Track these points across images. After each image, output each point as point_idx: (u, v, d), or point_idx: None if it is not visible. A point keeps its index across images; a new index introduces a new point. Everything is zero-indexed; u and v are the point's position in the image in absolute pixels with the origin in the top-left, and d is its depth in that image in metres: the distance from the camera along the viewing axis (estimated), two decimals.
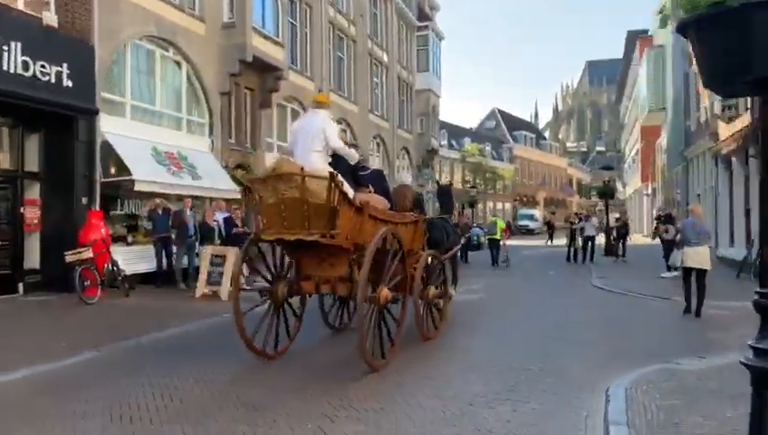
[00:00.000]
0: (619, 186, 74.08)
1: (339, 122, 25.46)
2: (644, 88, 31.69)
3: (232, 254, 11.69)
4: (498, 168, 59.26)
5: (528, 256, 24.28)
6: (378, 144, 30.39)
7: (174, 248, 13.28)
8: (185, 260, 13.03)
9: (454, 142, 57.07)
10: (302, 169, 6.23)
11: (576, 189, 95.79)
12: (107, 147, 12.78)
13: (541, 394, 5.55)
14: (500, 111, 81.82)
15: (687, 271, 10.15)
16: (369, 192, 7.17)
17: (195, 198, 13.94)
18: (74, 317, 9.44)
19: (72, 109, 11.85)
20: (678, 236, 11.04)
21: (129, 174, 12.87)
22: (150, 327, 8.52)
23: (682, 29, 2.75)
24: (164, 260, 13.09)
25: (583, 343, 7.90)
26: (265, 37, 17.65)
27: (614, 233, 21.99)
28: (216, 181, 15.53)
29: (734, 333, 8.43)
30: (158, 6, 14.35)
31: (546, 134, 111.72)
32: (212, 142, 16.67)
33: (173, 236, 13.20)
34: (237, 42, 16.63)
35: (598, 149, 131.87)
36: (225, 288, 11.43)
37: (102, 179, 12.67)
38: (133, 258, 13.29)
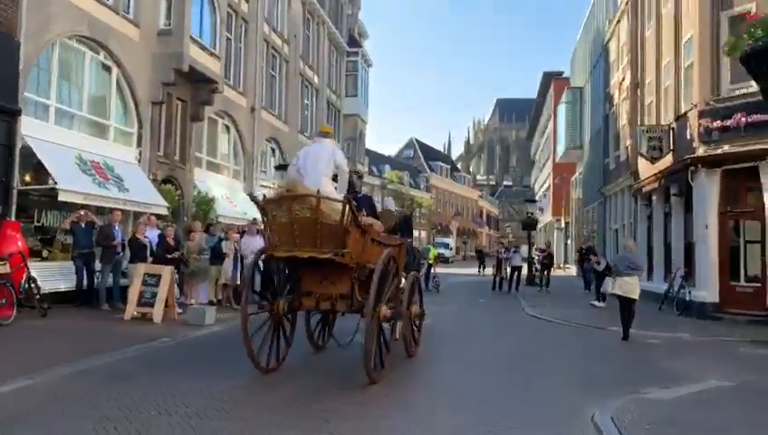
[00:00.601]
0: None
1: (268, 141, 24.89)
2: (562, 127, 33.35)
3: (167, 273, 10.89)
4: (417, 196, 60.17)
5: (454, 284, 24.54)
6: None
7: (98, 265, 12.24)
8: (110, 279, 11.98)
9: (374, 169, 57.44)
10: (318, 191, 6.66)
11: (485, 221, 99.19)
12: (27, 152, 11.62)
13: (529, 425, 5.38)
14: (417, 140, 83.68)
15: (620, 299, 11.06)
16: (364, 216, 7.21)
17: (121, 211, 12.90)
18: None
19: None
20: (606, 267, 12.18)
21: (49, 182, 11.80)
22: (84, 352, 7.64)
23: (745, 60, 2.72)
24: (85, 278, 11.99)
25: (548, 373, 7.87)
26: (202, 48, 16.93)
27: (537, 264, 22.66)
28: (144, 195, 14.53)
29: (679, 363, 8.77)
30: (91, 6, 13.37)
31: (459, 166, 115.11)
32: (140, 154, 15.64)
33: (95, 251, 12.17)
34: (173, 50, 15.81)
35: (505, 183, 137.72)
36: (158, 310, 10.58)
37: (19, 187, 11.48)
38: (49, 275, 12.04)
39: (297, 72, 27.77)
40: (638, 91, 19.52)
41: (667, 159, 15.92)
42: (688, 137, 14.34)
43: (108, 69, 14.65)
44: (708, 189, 13.66)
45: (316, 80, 30.76)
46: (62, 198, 11.70)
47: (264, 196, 7.76)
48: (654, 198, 17.61)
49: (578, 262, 21.82)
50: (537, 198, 62.50)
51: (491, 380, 7.21)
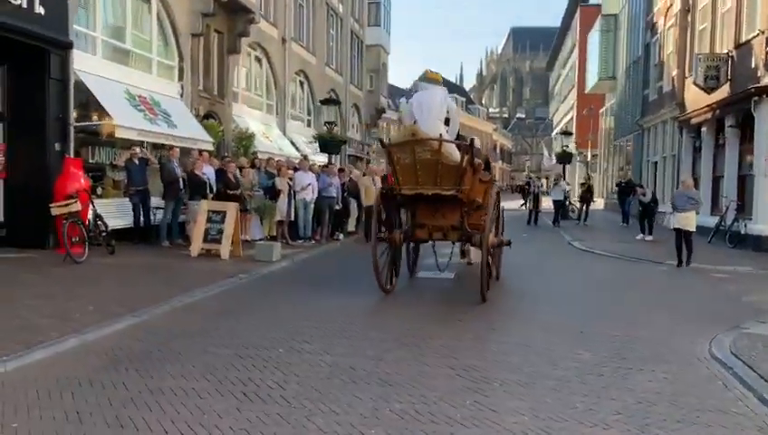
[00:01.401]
0: (545, 152, 76.57)
1: (297, 73, 24.29)
2: (594, 56, 32.30)
3: (233, 209, 10.80)
4: None
5: None
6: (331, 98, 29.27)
7: (153, 202, 12.20)
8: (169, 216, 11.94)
9: (390, 102, 56.38)
10: (440, 135, 7.50)
11: (498, 155, 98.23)
12: (80, 87, 11.35)
13: (652, 363, 5.33)
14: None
15: (678, 232, 11.82)
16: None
17: (170, 147, 12.69)
18: (76, 278, 8.33)
19: (44, 40, 10.33)
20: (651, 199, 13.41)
21: (104, 118, 11.61)
22: (173, 290, 7.66)
23: None
24: (141, 215, 11.96)
25: (636, 310, 7.80)
26: None
27: (573, 197, 22.45)
28: (191, 130, 14.30)
29: (763, 297, 8.70)
30: None
31: (472, 98, 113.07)
32: (182, 88, 15.28)
33: (149, 188, 12.11)
34: None
35: (519, 115, 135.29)
36: (225, 247, 10.56)
37: (76, 123, 11.27)
38: (105, 213, 11.94)
39: (323, 0, 26.81)
40: (689, 17, 18.70)
41: (724, 90, 15.40)
42: (753, 65, 13.78)
43: (148, 0, 14.13)
44: None
45: (341, 8, 29.73)
46: (119, 134, 11.53)
47: (389, 140, 8.53)
48: (704, 129, 17.17)
49: (618, 195, 21.55)
50: (557, 130, 61.48)
51: (586, 318, 7.16)
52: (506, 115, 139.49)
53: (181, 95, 15.23)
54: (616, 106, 30.57)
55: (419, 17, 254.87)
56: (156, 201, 12.49)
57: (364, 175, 15.48)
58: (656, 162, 22.74)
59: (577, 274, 11.20)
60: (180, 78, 15.25)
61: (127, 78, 13.00)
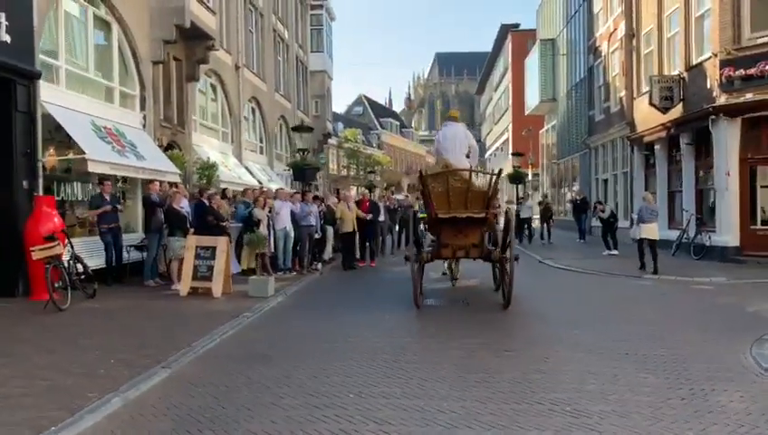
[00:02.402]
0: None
1: (249, 100, 23.78)
2: (534, 79, 33.45)
3: (224, 244, 10.28)
4: (374, 154, 59.70)
5: None
6: (281, 125, 28.87)
7: (123, 240, 11.48)
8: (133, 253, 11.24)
9: (334, 127, 56.40)
10: (471, 167, 9.44)
11: None
12: (47, 120, 10.56)
13: (714, 379, 5.37)
14: (366, 97, 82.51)
15: (641, 241, 13.29)
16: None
17: (149, 181, 12.01)
18: (70, 327, 7.59)
19: (9, 70, 9.56)
20: (636, 216, 14.05)
21: (74, 152, 10.87)
22: (186, 335, 7.11)
23: None
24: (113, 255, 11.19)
25: (654, 327, 7.92)
26: (200, 1, 15.76)
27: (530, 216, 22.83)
28: (158, 162, 13.61)
29: (762, 306, 9.04)
30: None
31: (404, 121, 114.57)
32: (144, 118, 14.56)
33: (121, 226, 11.41)
34: (174, 4, 14.63)
35: None
36: (217, 284, 10.00)
37: (43, 159, 10.44)
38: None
39: (270, 26, 26.51)
40: (634, 42, 19.70)
41: (678, 109, 16.22)
42: (708, 86, 14.60)
43: (108, 25, 13.42)
44: (729, 137, 14.04)
45: (286, 34, 29.49)
46: (92, 169, 10.81)
47: (425, 171, 9.70)
48: (657, 147, 18.00)
49: (573, 212, 22.20)
50: (490, 152, 63.20)
51: (617, 338, 7.18)
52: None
53: (143, 125, 14.50)
54: (558, 127, 31.71)
55: (348, 44, 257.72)
56: (128, 239, 11.80)
57: (339, 201, 15.19)
58: (605, 179, 23.64)
59: (571, 293, 11.30)
60: (142, 107, 14.53)
61: (90, 108, 12.24)
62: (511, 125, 48.54)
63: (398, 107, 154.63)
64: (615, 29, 21.48)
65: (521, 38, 47.71)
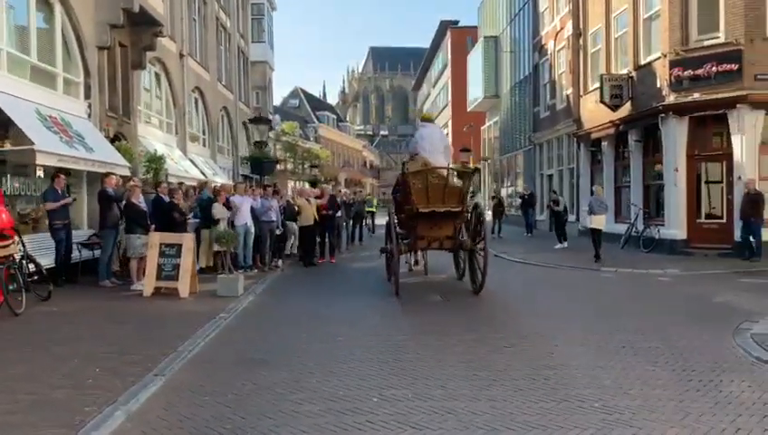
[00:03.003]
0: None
1: (193, 91, 22.83)
2: (477, 76, 33.87)
3: (189, 241, 9.77)
4: (313, 148, 58.93)
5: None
6: (222, 116, 27.93)
7: (72, 237, 10.72)
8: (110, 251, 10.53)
9: (276, 119, 55.28)
10: (448, 165, 10.33)
11: (369, 171, 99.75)
12: None
13: (717, 369, 5.51)
14: (302, 90, 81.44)
15: (593, 231, 14.14)
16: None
17: (106, 174, 11.26)
18: (35, 334, 6.95)
19: None
20: (587, 209, 14.86)
21: (20, 142, 10.00)
22: (166, 339, 6.67)
23: None
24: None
25: (636, 317, 8.11)
26: None
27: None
28: (107, 154, 12.81)
29: (728, 297, 9.43)
30: None
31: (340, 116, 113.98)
32: (89, 107, 13.65)
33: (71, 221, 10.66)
34: None
35: (382, 132, 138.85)
36: (184, 283, 9.48)
37: None
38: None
39: (213, 14, 25.56)
40: (581, 41, 20.25)
41: (626, 107, 16.78)
42: (657, 85, 15.16)
43: (49, 6, 12.46)
44: (678, 135, 14.65)
45: (228, 23, 28.54)
46: (40, 161, 10.00)
47: (407, 169, 10.01)
48: (605, 143, 18.59)
49: (521, 207, 22.66)
50: None
51: (606, 331, 7.27)
52: (370, 132, 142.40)
53: (89, 115, 13.60)
54: (501, 123, 32.28)
55: (283, 36, 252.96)
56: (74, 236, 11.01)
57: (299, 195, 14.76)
58: (550, 175, 24.25)
59: (539, 286, 11.46)
60: (87, 96, 13.61)
61: (34, 96, 11.34)
62: (451, 121, 49.04)
63: (333, 100, 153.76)
64: (562, 28, 22.01)
65: (460, 35, 48.31)
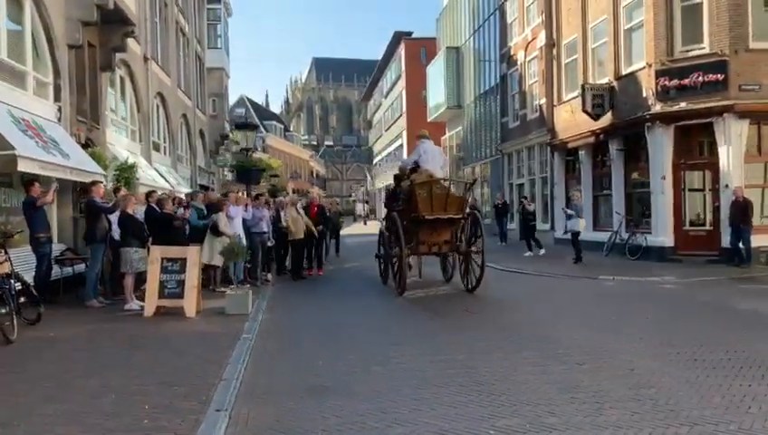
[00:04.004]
0: (368, 177, 78.77)
1: (155, 97, 21.65)
2: (439, 86, 33.83)
3: (194, 255, 8.95)
4: (264, 158, 57.62)
5: (354, 244, 24.27)
6: (182, 124, 26.70)
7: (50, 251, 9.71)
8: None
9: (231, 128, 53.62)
10: (447, 177, 12.23)
11: (316, 181, 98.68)
12: None
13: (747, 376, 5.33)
14: (248, 98, 79.81)
15: (575, 235, 15.24)
16: None
17: (92, 182, 10.25)
18: (46, 365, 6.07)
19: None
20: (572, 212, 15.68)
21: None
22: (197, 367, 5.96)
23: None
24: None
25: (660, 331, 7.93)
26: None
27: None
28: (82, 161, 11.77)
29: (747, 304, 9.42)
30: None
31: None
32: (59, 110, 12.55)
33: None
34: None
35: (327, 143, 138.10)
36: (190, 301, 8.67)
37: None
38: None
39: (173, 18, 24.44)
40: (554, 51, 20.43)
41: (607, 117, 16.94)
42: (643, 94, 15.34)
43: (19, 0, 11.36)
44: (664, 143, 14.85)
45: (187, 28, 27.41)
46: (22, 168, 8.96)
47: (412, 181, 11.02)
48: (582, 152, 18.73)
49: (495, 216, 22.61)
50: (380, 158, 63.57)
51: (632, 340, 7.04)
52: (315, 142, 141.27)
53: (59, 118, 12.50)
54: (464, 133, 32.32)
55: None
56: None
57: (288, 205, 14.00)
58: (520, 184, 24.35)
59: (548, 295, 11.20)
60: (56, 98, 12.52)
61: (4, 96, 10.26)
62: (405, 131, 49.05)
63: (276, 110, 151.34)
64: (534, 38, 22.18)
65: (414, 46, 48.50)
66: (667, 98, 14.72)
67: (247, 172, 13.32)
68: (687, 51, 14.61)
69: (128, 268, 9.18)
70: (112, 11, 13.46)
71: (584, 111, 16.93)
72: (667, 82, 14.62)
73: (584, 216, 15.95)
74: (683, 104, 14.46)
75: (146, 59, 19.38)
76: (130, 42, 17.40)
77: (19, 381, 5.51)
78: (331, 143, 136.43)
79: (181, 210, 10.64)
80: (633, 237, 15.80)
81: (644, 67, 15.39)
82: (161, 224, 9.57)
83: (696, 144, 15.02)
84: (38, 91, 11.97)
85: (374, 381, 5.55)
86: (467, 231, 11.22)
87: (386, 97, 58.67)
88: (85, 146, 13.46)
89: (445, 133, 36.42)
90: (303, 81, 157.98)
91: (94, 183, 9.80)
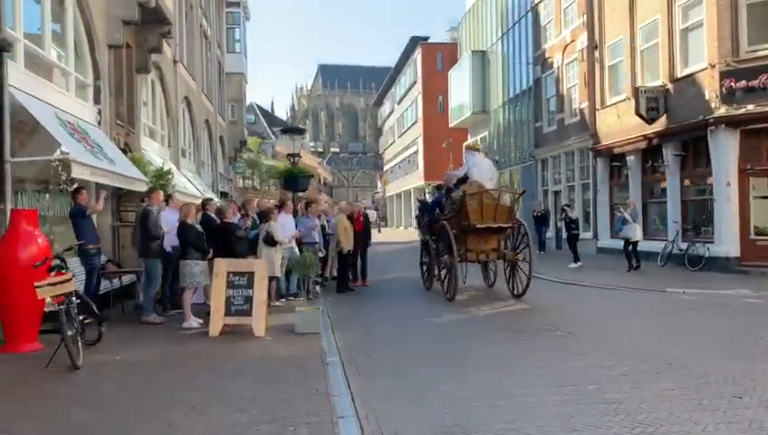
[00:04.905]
0: (379, 184, 78.07)
1: (182, 101, 20.99)
2: (465, 91, 33.11)
3: (262, 268, 8.22)
4: (277, 164, 56.99)
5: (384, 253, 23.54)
6: (204, 128, 26.03)
7: (99, 263, 9.00)
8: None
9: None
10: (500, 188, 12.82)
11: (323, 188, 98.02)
12: (14, 108, 7.93)
13: None
14: (258, 105, 79.37)
15: (633, 243, 15.09)
16: None
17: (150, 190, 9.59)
18: (141, 395, 5.33)
19: None
20: (629, 217, 15.32)
21: (41, 152, 8.32)
22: (300, 394, 5.22)
23: None
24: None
25: (732, 347, 7.18)
26: None
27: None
28: (126, 167, 11.07)
29: None
30: None
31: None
32: (99, 113, 11.89)
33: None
34: None
35: (333, 150, 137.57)
36: (259, 319, 7.92)
37: (11, 160, 7.81)
38: None
39: (198, 20, 23.84)
40: (596, 54, 19.74)
41: (660, 121, 16.22)
42: (706, 96, 14.61)
43: None
44: (729, 148, 14.11)
45: (209, 31, 26.81)
46: (76, 174, 8.23)
47: (463, 193, 11.31)
48: (631, 157, 17.99)
49: (535, 225, 21.80)
50: (394, 164, 62.90)
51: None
52: (321, 149, 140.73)
53: (99, 122, 11.83)
54: (490, 139, 31.59)
55: None
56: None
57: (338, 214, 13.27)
58: (557, 191, 23.59)
59: (623, 311, 10.43)
60: (96, 100, 11.86)
61: (50, 98, 9.58)
62: (421, 138, 48.39)
63: (282, 117, 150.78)
64: (573, 40, 21.50)
65: (431, 50, 47.95)
66: (732, 100, 13.99)
67: (294, 179, 12.55)
68: (755, 51, 13.89)
69: (188, 283, 8.44)
70: (153, 9, 12.84)
71: (638, 114, 16.21)
72: (732, 84, 13.89)
73: (637, 221, 15.60)
74: (750, 107, 13.74)
75: (175, 62, 18.73)
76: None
77: (103, 418, 4.77)
78: (338, 150, 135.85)
79: (240, 219, 9.90)
80: (693, 247, 15.03)
81: (705, 68, 14.68)
82: (222, 235, 8.83)
83: (764, 149, 14.25)
84: (79, 94, 11.30)
85: (514, 420, 4.79)
86: (513, 240, 11.68)
87: (399, 103, 58.04)
88: (123, 151, 12.81)
89: (467, 139, 35.68)
90: (309, 87, 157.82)
91: (152, 190, 9.08)
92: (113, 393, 5.44)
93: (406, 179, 55.43)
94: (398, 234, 45.29)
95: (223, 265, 8.07)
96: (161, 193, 9.31)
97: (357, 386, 5.75)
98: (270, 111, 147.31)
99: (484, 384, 5.82)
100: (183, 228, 8.47)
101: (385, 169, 72.35)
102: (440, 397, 5.46)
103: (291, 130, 14.32)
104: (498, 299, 11.50)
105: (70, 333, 6.21)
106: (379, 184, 75.93)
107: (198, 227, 8.74)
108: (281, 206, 11.27)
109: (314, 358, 6.71)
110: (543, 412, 4.96)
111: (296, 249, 11.22)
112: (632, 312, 10.33)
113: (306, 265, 8.57)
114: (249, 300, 7.99)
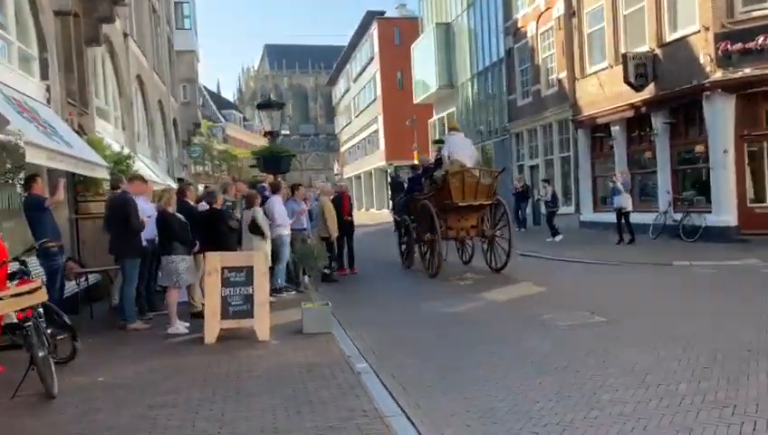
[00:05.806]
0: (336, 166, 76.56)
1: (134, 79, 19.22)
2: (428, 66, 32.02)
3: (262, 261, 7.07)
4: (230, 149, 55.12)
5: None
6: (157, 110, 24.18)
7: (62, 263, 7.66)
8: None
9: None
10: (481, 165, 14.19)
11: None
12: None
13: None
14: (206, 88, 76.36)
15: (625, 214, 14.75)
16: None
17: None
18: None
19: None
20: (621, 186, 14.92)
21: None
22: (340, 416, 4.21)
23: None
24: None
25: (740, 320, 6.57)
26: None
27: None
28: (84, 151, 9.65)
29: None
30: None
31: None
32: (47, 89, 10.35)
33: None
34: None
35: (284, 132, 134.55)
36: (263, 320, 6.80)
37: None
38: None
39: None
40: (574, 21, 19.01)
41: (649, 88, 15.64)
42: (701, 61, 14.03)
43: None
44: (726, 114, 13.62)
45: (157, 5, 24.83)
46: (30, 158, 6.86)
47: (446, 171, 11.43)
48: (616, 128, 17.41)
49: (515, 201, 21.10)
50: (352, 144, 61.53)
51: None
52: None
53: (48, 100, 10.30)
54: (458, 114, 30.70)
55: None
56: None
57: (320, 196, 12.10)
58: (534, 165, 22.96)
59: (638, 288, 9.76)
60: (44, 75, 10.32)
61: None
62: (381, 116, 47.26)
63: (229, 99, 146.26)
64: (548, 8, 20.72)
65: (387, 26, 46.72)
66: (728, 64, 13.45)
67: (276, 159, 11.28)
68: (749, 11, 13.36)
69: (173, 281, 7.22)
70: None
71: (626, 81, 15.56)
72: (728, 47, 13.34)
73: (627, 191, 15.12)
74: (747, 70, 13.23)
75: (125, 35, 17.01)
76: None
77: None
78: (288, 132, 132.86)
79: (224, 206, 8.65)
80: (688, 218, 14.56)
81: (698, 31, 14.09)
82: (209, 224, 7.61)
83: (762, 114, 13.79)
84: (23, 67, 9.76)
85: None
86: (492, 216, 12.03)
87: (355, 81, 56.57)
88: (77, 133, 11.29)
89: (432, 116, 34.80)
90: (256, 69, 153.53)
91: (132, 179, 7.76)
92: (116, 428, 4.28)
93: (365, 160, 54.27)
94: (362, 216, 44.21)
95: (216, 260, 6.87)
96: (139, 181, 7.93)
97: (406, 403, 4.74)
98: (217, 92, 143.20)
99: (557, 389, 4.91)
100: (164, 218, 7.22)
101: (342, 149, 70.96)
102: (514, 410, 4.52)
103: (268, 104, 12.88)
104: (501, 282, 10.78)
105: (41, 354, 4.97)
106: (336, 166, 74.33)
107: (180, 216, 7.48)
108: (275, 189, 10.05)
109: (340, 366, 5.69)
110: (653, 425, 4.07)
111: (289, 236, 10.10)
112: (655, 289, 9.63)
113: (312, 256, 7.43)
114: (249, 299, 6.85)
